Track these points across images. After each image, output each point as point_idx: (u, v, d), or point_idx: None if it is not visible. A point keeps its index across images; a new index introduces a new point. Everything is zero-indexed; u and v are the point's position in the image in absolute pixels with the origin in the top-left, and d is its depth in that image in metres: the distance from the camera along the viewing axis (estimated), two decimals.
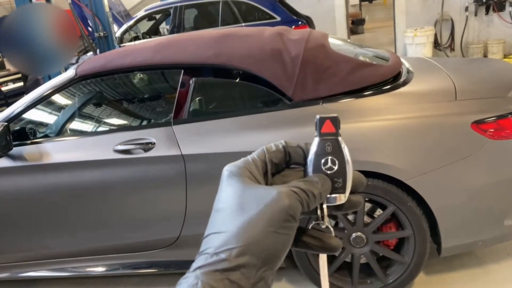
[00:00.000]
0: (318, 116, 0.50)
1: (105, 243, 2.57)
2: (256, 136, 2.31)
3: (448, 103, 2.28)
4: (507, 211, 2.29)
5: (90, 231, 2.57)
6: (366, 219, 2.37)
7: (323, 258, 0.54)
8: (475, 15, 7.52)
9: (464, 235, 2.32)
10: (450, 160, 2.20)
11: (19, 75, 7.39)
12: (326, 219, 0.50)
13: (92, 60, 2.77)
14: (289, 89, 2.32)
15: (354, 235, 2.32)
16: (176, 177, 2.36)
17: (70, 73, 2.69)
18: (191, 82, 2.48)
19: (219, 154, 2.30)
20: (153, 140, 2.40)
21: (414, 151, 2.24)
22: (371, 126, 2.28)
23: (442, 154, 2.22)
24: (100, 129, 2.72)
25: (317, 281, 2.42)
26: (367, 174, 2.21)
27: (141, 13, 7.82)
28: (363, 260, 2.40)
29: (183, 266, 2.51)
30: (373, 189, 2.22)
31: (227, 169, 0.49)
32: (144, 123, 2.75)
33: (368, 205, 2.44)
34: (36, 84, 5.68)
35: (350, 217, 2.38)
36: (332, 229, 0.50)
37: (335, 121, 0.50)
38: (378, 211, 2.40)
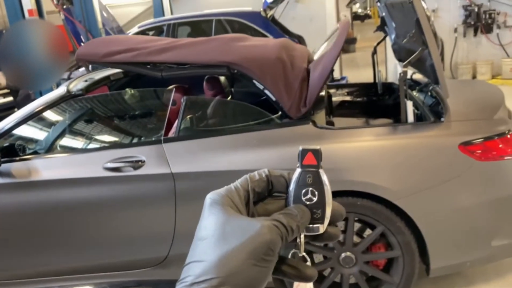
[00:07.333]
0: (300, 148, 0.52)
1: (93, 261, 2.53)
2: (247, 154, 2.31)
3: (436, 124, 2.31)
4: (495, 231, 2.30)
5: (79, 249, 2.53)
6: (356, 239, 2.38)
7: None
8: (464, 36, 7.66)
9: (453, 255, 2.32)
10: (438, 181, 2.22)
11: (8, 90, 7.32)
12: (303, 248, 0.51)
13: (84, 78, 2.77)
14: (287, 103, 2.33)
15: (343, 255, 2.32)
16: (166, 196, 2.35)
17: (61, 89, 2.68)
18: (182, 100, 2.49)
19: (209, 172, 2.30)
20: (143, 158, 2.39)
21: (402, 171, 2.25)
22: (360, 146, 2.29)
23: (430, 175, 2.23)
24: (90, 146, 2.71)
25: None
26: (356, 194, 2.22)
27: (134, 30, 7.86)
28: (352, 280, 2.40)
29: (172, 285, 2.48)
30: (362, 209, 2.23)
31: (210, 197, 0.50)
32: (135, 140, 2.74)
33: (357, 225, 2.44)
34: (27, 99, 5.66)
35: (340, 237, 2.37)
36: (308, 258, 0.51)
37: (317, 154, 0.51)
38: (368, 231, 2.41)
